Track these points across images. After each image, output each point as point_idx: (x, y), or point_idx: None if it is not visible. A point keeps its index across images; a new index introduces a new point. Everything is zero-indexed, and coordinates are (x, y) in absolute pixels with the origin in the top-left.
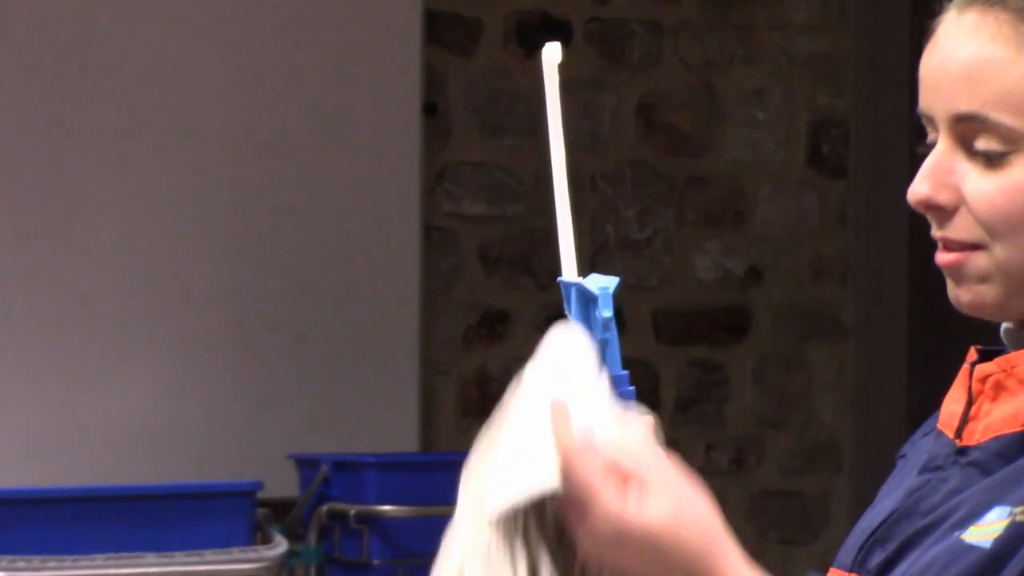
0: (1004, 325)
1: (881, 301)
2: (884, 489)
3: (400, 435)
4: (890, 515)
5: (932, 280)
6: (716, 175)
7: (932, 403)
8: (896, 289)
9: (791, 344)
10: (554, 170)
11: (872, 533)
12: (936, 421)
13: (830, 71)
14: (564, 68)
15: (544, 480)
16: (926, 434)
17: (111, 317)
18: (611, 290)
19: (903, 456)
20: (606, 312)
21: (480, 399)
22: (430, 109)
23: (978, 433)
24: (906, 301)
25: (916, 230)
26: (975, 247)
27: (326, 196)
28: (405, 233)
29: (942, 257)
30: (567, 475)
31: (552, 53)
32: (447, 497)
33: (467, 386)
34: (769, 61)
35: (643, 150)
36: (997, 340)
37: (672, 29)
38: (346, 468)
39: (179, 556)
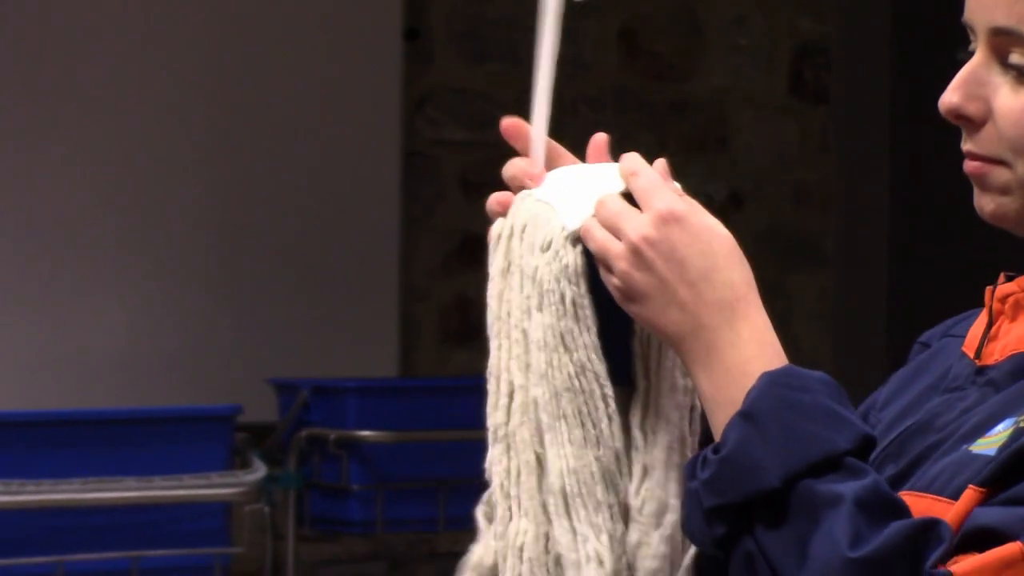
0: None
1: (862, 228)
2: (900, 375)
3: (380, 360)
4: (904, 430)
5: (913, 208)
6: (698, 101)
7: (912, 331)
8: (877, 217)
9: (772, 271)
10: (537, 94)
11: (886, 447)
12: (965, 327)
13: None
14: None
15: (611, 185)
16: (950, 335)
17: (88, 241)
18: None
19: (925, 343)
20: None
21: (460, 325)
22: (411, 34)
23: (996, 352)
24: (887, 229)
25: (897, 157)
26: (999, 162)
27: (306, 122)
28: (386, 158)
29: (967, 164)
30: (634, 174)
31: None
32: (427, 422)
33: (447, 312)
34: None
35: (625, 76)
36: (989, 258)
37: None
38: (326, 393)
39: (158, 480)
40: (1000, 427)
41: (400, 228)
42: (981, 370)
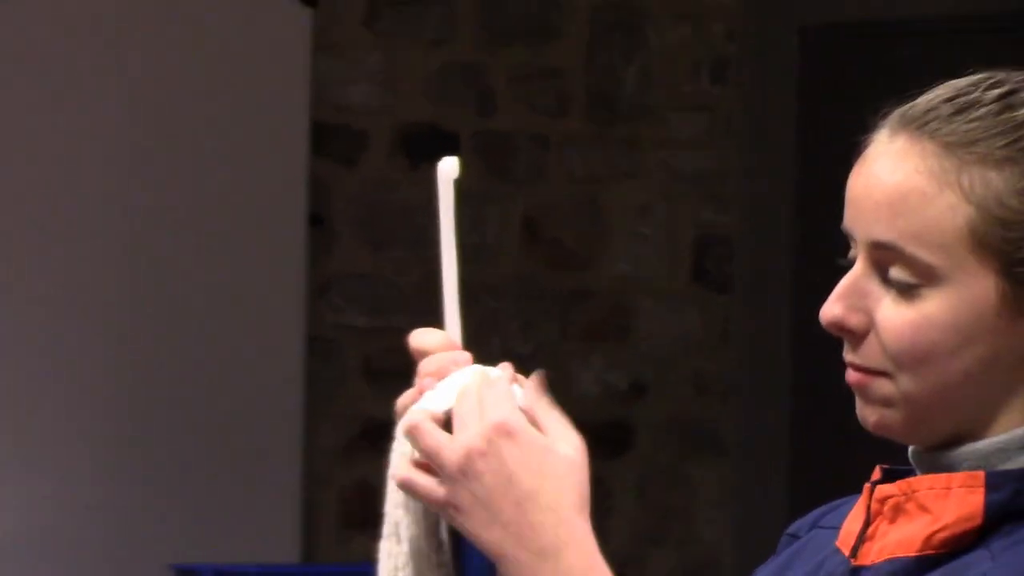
0: (912, 448)
1: (764, 419)
2: (769, 569)
3: (281, 546)
4: None
5: (816, 399)
6: (600, 290)
7: None
8: (779, 407)
9: (673, 460)
10: (445, 288)
11: None
12: (836, 518)
13: (715, 188)
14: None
15: (446, 401)
16: (819, 527)
17: None
18: None
19: (793, 535)
20: None
21: (361, 510)
22: (315, 220)
23: (873, 554)
24: (789, 419)
25: (799, 349)
26: (881, 373)
27: (210, 306)
28: (289, 343)
29: (849, 375)
30: (465, 393)
31: (449, 167)
32: None
33: (349, 498)
34: (654, 177)
35: (527, 263)
36: (891, 458)
37: (558, 143)
38: None
39: None
40: None
41: (302, 413)
42: (856, 570)
